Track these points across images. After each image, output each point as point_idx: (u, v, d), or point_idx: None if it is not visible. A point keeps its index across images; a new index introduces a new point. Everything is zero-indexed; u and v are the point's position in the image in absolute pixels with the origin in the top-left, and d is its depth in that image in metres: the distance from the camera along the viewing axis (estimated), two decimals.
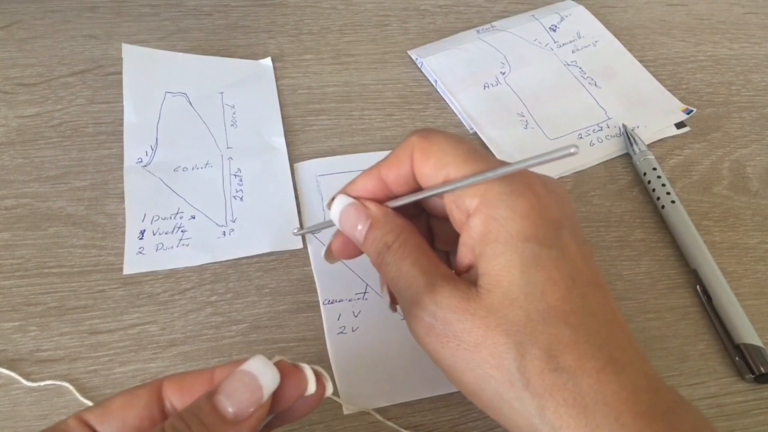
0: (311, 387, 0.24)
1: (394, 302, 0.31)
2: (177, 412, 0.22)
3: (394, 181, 0.29)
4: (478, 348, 0.25)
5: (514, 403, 0.24)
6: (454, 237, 0.28)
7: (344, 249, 0.32)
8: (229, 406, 0.21)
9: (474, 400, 0.27)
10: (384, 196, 0.30)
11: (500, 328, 0.24)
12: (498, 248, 0.25)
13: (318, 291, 0.37)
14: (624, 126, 0.47)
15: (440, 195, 0.28)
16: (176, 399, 0.23)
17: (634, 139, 0.45)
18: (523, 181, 0.26)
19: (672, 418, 0.24)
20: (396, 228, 0.28)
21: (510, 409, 0.25)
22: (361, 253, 0.32)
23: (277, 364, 0.23)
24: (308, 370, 0.24)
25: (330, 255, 0.33)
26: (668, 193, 0.42)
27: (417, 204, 0.30)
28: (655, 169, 0.44)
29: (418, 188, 0.29)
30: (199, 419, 0.21)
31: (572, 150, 0.22)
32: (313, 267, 0.38)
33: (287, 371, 0.23)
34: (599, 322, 0.25)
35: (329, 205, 0.31)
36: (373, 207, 0.29)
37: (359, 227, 0.29)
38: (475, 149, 0.27)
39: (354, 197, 0.30)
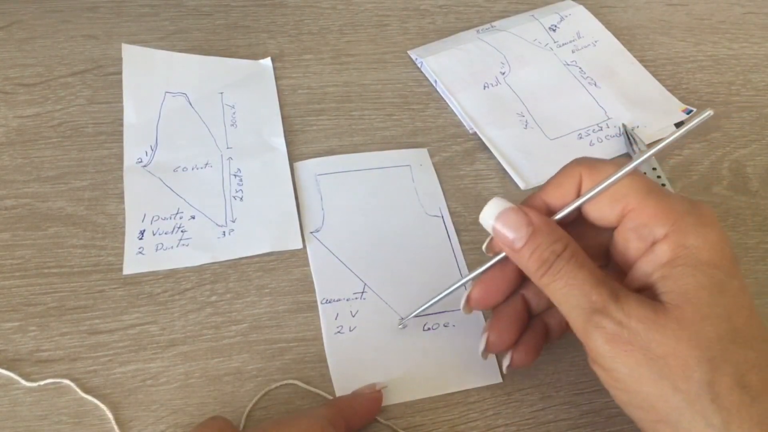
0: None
1: (469, 306, 0.32)
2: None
3: (557, 204, 0.30)
4: (667, 359, 0.25)
5: (695, 417, 0.25)
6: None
7: (485, 297, 0.32)
8: None
9: (644, 412, 0.27)
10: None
11: (692, 342, 0.25)
12: (688, 270, 0.26)
13: (316, 290, 0.37)
14: (624, 126, 0.47)
15: (609, 226, 0.29)
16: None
17: (633, 139, 0.45)
18: (709, 215, 0.28)
19: None
20: (563, 237, 0.28)
21: (689, 422, 0.25)
22: (502, 299, 0.32)
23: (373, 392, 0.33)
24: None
25: (468, 305, 0.32)
26: None
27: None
28: (654, 168, 0.44)
29: (580, 218, 0.30)
30: None
31: (708, 113, 0.25)
32: (311, 266, 0.38)
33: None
34: None
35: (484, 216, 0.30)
36: (533, 213, 0.29)
37: (520, 232, 0.28)
38: (650, 180, 0.29)
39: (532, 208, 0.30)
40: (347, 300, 0.37)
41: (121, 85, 0.45)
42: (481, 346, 0.33)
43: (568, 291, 0.27)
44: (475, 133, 0.46)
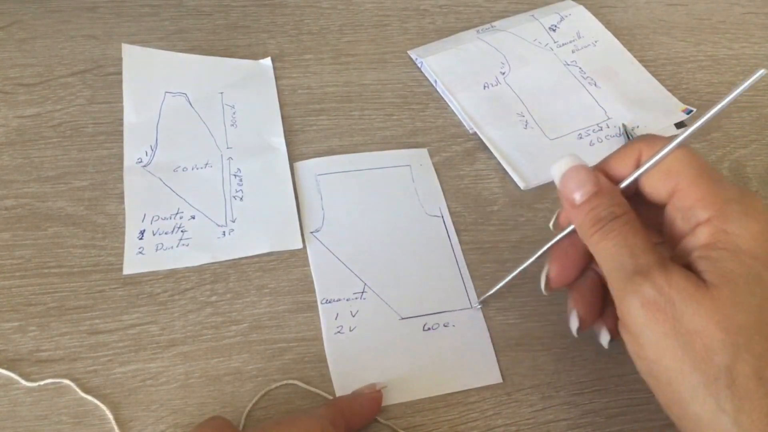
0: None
1: (550, 287, 0.32)
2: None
3: (618, 176, 0.30)
4: (694, 336, 0.25)
5: (708, 399, 0.25)
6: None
7: (562, 273, 0.32)
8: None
9: (660, 385, 0.27)
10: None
11: (721, 325, 0.25)
12: (726, 255, 0.26)
13: (316, 290, 0.37)
14: (624, 126, 0.47)
15: (660, 201, 0.29)
16: None
17: (633, 138, 0.45)
18: (756, 207, 0.27)
19: None
20: (624, 203, 0.29)
21: (701, 404, 0.25)
22: (579, 273, 0.33)
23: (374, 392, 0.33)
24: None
25: (549, 285, 0.33)
26: None
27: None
28: None
29: (638, 195, 0.30)
30: None
31: (762, 72, 0.27)
32: (311, 266, 0.38)
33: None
34: None
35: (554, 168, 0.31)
36: (602, 177, 0.30)
37: (585, 189, 0.29)
38: (705, 163, 0.29)
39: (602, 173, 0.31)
40: (347, 300, 0.37)
41: (121, 85, 0.45)
42: (574, 325, 0.33)
43: (617, 251, 0.28)
44: (475, 133, 0.46)
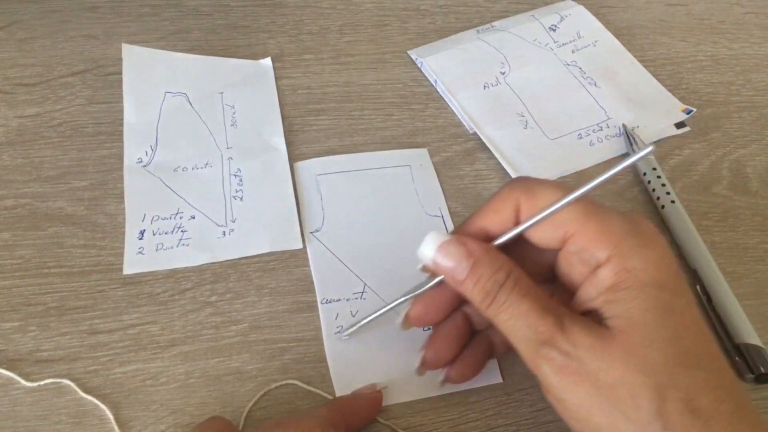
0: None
1: (408, 323, 0.32)
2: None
3: (495, 230, 0.29)
4: (615, 388, 0.25)
5: None
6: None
7: (424, 315, 0.32)
8: None
9: None
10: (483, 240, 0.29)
11: (639, 368, 0.25)
12: (632, 294, 0.26)
13: (316, 290, 0.37)
14: (624, 126, 0.47)
15: (552, 248, 0.29)
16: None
17: (633, 138, 0.45)
18: (650, 233, 0.27)
19: None
20: (505, 265, 0.28)
21: None
22: (443, 317, 0.32)
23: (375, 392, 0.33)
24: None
25: (407, 322, 0.32)
26: (668, 193, 0.42)
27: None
28: (654, 169, 0.44)
29: (522, 239, 0.29)
30: None
31: (650, 149, 0.25)
32: (311, 266, 0.38)
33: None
34: (724, 367, 0.26)
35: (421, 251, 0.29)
36: (472, 243, 0.28)
37: (461, 265, 0.28)
38: (589, 200, 0.28)
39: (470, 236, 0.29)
40: (347, 300, 0.37)
41: (121, 85, 0.45)
42: (417, 363, 0.32)
43: (514, 323, 0.27)
44: (475, 133, 0.46)
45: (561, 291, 0.30)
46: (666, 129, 0.48)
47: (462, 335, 0.32)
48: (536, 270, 0.29)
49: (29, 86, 0.45)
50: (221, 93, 0.46)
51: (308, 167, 0.43)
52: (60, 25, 0.49)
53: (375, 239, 0.40)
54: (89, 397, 0.32)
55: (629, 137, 0.45)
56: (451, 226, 0.41)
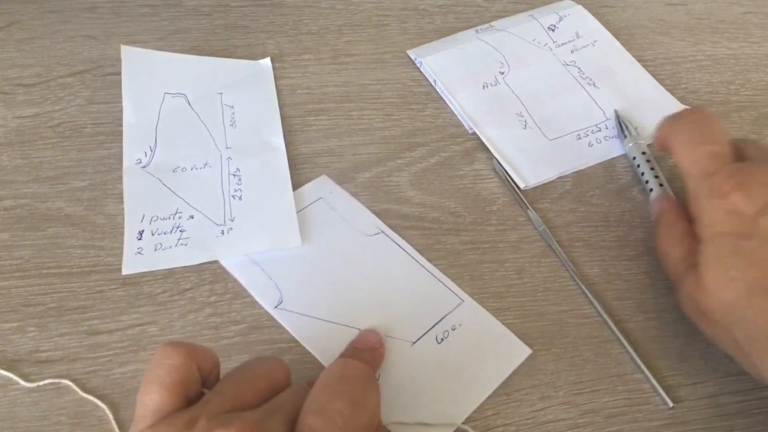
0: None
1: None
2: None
3: None
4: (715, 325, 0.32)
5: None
6: None
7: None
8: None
9: (747, 333, 0.31)
10: None
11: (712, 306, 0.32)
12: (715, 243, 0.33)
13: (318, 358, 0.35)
14: (616, 112, 0.47)
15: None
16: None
17: (626, 125, 0.45)
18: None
19: None
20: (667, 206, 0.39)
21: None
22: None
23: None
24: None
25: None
26: (656, 177, 0.42)
27: None
28: (644, 153, 0.44)
29: None
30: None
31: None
32: (293, 332, 0.36)
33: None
34: None
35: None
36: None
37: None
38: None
39: None
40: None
41: (120, 86, 0.45)
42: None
43: (669, 250, 0.37)
44: (474, 133, 0.46)
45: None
46: None
47: None
48: None
49: (28, 86, 0.45)
50: (220, 93, 0.46)
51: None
52: (59, 26, 0.49)
53: (338, 288, 0.37)
54: (89, 398, 0.32)
55: (621, 124, 0.46)
56: (396, 237, 0.39)
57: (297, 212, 0.40)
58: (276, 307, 0.36)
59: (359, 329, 0.36)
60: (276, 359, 0.29)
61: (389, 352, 0.35)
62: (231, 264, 0.38)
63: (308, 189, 0.42)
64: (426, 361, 0.35)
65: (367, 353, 0.33)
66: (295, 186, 0.41)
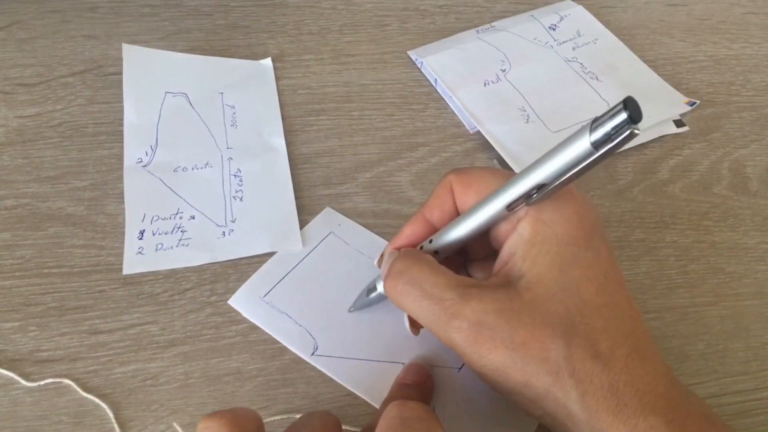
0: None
1: (414, 325, 0.32)
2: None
3: (439, 220, 0.31)
4: (526, 345, 0.26)
5: (558, 394, 0.26)
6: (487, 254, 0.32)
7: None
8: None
9: (517, 399, 0.28)
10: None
11: (544, 321, 0.26)
12: (544, 248, 0.27)
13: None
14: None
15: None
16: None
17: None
18: (567, 189, 0.28)
19: (689, 400, 0.26)
20: (404, 256, 0.30)
21: (553, 402, 0.26)
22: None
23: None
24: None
25: (414, 327, 0.33)
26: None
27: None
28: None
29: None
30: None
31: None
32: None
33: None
34: (625, 315, 0.27)
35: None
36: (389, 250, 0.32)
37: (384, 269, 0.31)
38: (510, 174, 0.29)
39: (399, 247, 0.32)
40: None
41: (121, 85, 0.45)
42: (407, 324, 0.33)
43: (420, 302, 0.28)
44: (475, 133, 0.46)
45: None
46: (666, 127, 0.48)
47: None
48: (483, 244, 0.31)
49: (29, 86, 0.45)
50: (221, 93, 0.46)
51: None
52: (60, 26, 0.49)
53: (350, 329, 0.36)
54: (90, 397, 0.32)
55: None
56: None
57: (309, 252, 0.39)
58: (313, 354, 0.35)
59: (403, 363, 0.34)
60: (326, 413, 0.28)
61: (437, 381, 0.34)
62: (257, 314, 0.36)
63: (315, 225, 0.40)
64: (474, 387, 0.33)
65: (415, 390, 0.32)
66: (296, 187, 0.42)
